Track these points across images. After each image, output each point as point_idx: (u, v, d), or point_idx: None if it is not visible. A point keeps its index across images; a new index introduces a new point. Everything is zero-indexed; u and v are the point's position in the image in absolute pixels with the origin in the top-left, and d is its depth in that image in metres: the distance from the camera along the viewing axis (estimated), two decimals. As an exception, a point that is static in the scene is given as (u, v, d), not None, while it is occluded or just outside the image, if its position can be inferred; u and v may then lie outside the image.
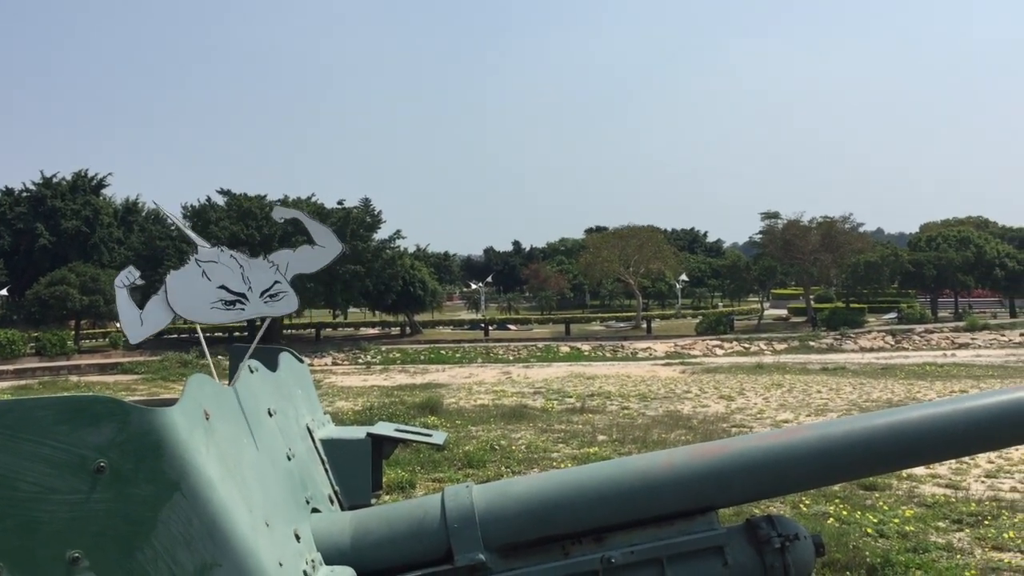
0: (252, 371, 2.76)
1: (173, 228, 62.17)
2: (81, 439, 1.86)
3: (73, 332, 51.63)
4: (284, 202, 57.75)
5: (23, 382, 38.35)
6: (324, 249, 2.80)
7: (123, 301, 2.77)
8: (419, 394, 27.17)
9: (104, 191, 79.73)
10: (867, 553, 8.85)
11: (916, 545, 9.25)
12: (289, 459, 2.72)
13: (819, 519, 10.03)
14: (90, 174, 78.32)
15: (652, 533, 2.67)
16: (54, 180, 75.08)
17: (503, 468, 14.48)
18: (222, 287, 2.69)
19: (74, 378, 40.02)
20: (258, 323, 2.73)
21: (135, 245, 64.64)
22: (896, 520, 10.10)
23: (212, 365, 3.21)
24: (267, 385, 2.84)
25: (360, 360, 48.61)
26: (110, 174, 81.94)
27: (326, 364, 47.30)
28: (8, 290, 62.36)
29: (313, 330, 61.79)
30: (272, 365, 3.05)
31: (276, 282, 2.72)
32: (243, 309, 2.69)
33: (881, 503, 11.01)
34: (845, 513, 10.33)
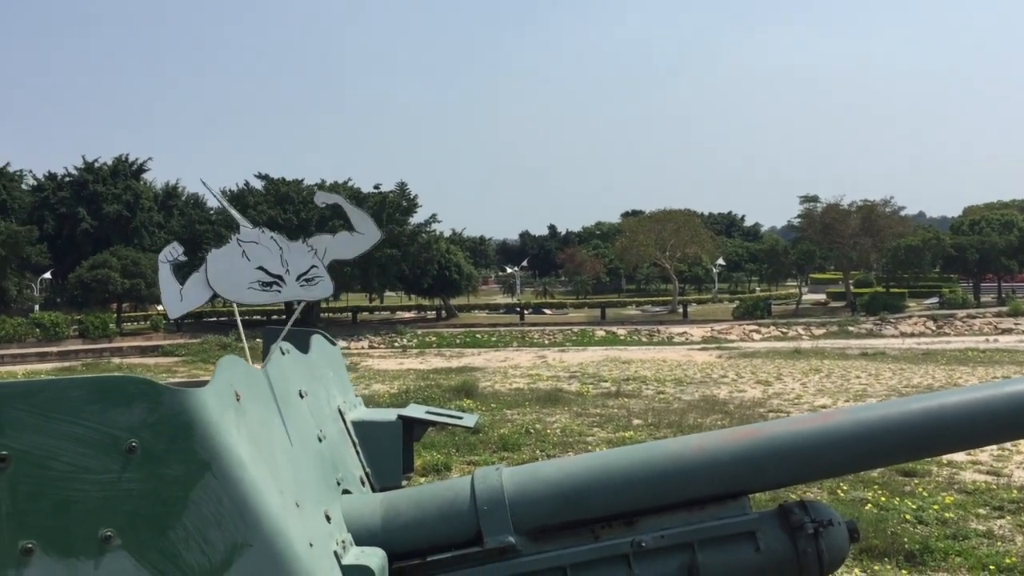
0: (284, 353, 2.75)
1: (212, 212, 62.88)
2: (113, 419, 1.87)
3: (115, 315, 52.44)
4: (321, 186, 58.07)
5: (67, 364, 39.02)
6: (363, 236, 2.79)
7: (165, 276, 2.78)
8: (455, 377, 27.28)
9: (144, 176, 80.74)
10: (906, 539, 8.78)
11: (956, 532, 9.16)
12: (320, 441, 2.72)
13: (857, 505, 9.95)
14: (130, 159, 79.32)
15: (683, 517, 2.64)
16: (96, 165, 76.08)
17: (538, 451, 14.52)
18: (260, 268, 2.70)
19: (116, 360, 40.65)
20: (295, 306, 2.74)
21: (175, 229, 65.37)
22: (936, 506, 10.00)
23: (246, 347, 3.23)
24: (298, 367, 2.84)
25: (396, 344, 48.85)
26: (150, 159, 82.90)
27: (362, 347, 47.61)
28: (52, 273, 63.35)
29: (350, 314, 62.11)
30: (304, 347, 3.05)
31: (313, 266, 2.72)
32: (279, 291, 2.69)
33: (920, 489, 10.90)
34: (883, 499, 10.25)
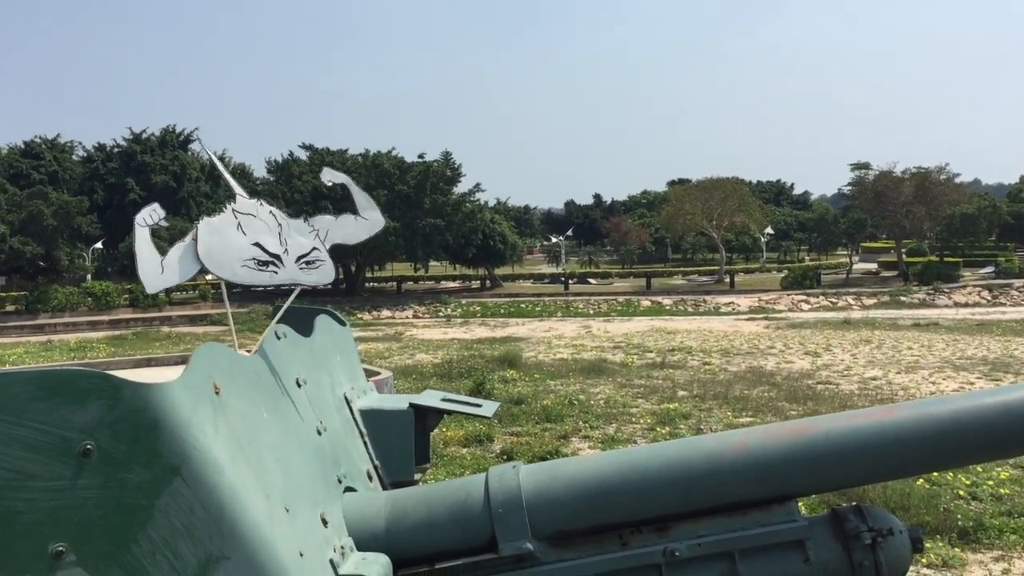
0: (279, 337, 2.53)
1: (259, 183, 63.29)
2: (64, 418, 1.66)
3: (164, 284, 53.04)
4: (365, 156, 58.11)
5: (117, 332, 39.71)
6: (366, 222, 2.62)
7: (143, 243, 2.51)
8: (498, 347, 27.26)
9: (191, 146, 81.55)
10: (959, 516, 8.58)
11: (1011, 508, 8.94)
12: (320, 434, 2.50)
13: (908, 480, 9.70)
14: (177, 129, 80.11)
15: (722, 523, 2.37)
16: (143, 136, 77.00)
17: (581, 422, 14.42)
18: (256, 244, 2.49)
19: (165, 329, 41.30)
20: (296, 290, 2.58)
21: (222, 199, 65.94)
22: (990, 482, 9.74)
23: (234, 332, 3.07)
24: (297, 352, 2.61)
25: (440, 313, 48.96)
26: (197, 129, 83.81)
27: (407, 317, 47.83)
28: (103, 243, 64.32)
29: (394, 283, 62.48)
30: (307, 329, 2.81)
31: (315, 249, 2.54)
32: (276, 272, 2.50)
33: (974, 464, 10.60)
34: (936, 474, 9.97)
